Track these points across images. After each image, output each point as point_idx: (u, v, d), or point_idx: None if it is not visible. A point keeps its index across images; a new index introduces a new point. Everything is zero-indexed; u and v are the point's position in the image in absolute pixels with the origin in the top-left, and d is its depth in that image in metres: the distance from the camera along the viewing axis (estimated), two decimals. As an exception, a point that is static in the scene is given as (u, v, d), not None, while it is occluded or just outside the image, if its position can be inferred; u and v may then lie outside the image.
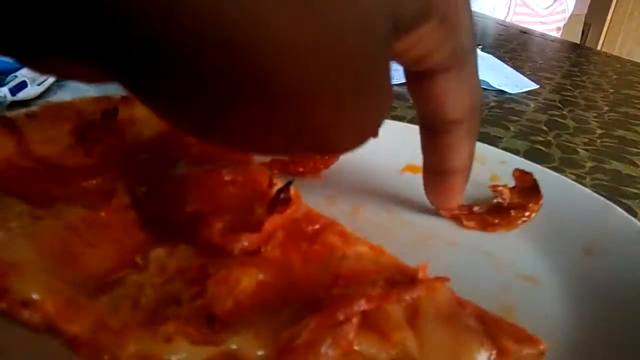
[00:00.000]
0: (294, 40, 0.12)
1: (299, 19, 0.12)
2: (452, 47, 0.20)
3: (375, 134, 0.18)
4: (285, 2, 0.12)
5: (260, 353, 0.17)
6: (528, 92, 0.63)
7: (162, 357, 0.17)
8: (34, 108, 0.25)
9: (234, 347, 0.17)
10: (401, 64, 0.22)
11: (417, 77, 0.22)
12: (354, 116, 0.16)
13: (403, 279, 0.21)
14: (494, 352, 0.18)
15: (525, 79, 0.67)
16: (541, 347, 0.19)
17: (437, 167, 0.25)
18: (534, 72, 0.73)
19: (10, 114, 0.25)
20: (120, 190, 0.24)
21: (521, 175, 0.30)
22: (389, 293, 0.20)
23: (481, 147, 0.34)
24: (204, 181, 0.25)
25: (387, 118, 0.18)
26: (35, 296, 0.16)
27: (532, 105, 0.59)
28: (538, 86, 0.64)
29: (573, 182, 0.30)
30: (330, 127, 0.15)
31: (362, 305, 0.19)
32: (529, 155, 0.44)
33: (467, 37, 0.21)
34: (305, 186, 0.28)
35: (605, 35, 2.03)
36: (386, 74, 0.16)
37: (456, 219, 0.28)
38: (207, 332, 0.18)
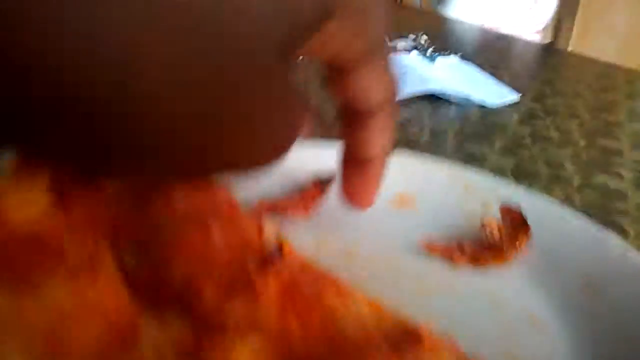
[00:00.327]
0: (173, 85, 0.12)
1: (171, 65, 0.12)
2: (362, 44, 0.21)
3: (290, 147, 0.19)
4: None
5: None
6: (509, 106, 0.63)
7: None
8: (4, 163, 0.24)
9: None
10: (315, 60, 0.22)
11: (332, 71, 0.23)
12: (259, 136, 0.17)
13: (406, 339, 0.20)
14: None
15: (506, 89, 0.67)
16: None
17: (354, 157, 0.26)
18: (514, 79, 0.73)
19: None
20: (107, 262, 0.23)
21: (508, 211, 0.30)
22: (393, 357, 0.19)
23: (470, 175, 0.34)
24: (192, 240, 0.24)
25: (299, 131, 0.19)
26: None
27: (515, 116, 0.59)
28: (519, 94, 0.64)
29: (566, 210, 0.30)
30: (236, 149, 0.17)
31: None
32: (517, 173, 0.44)
33: (378, 31, 0.21)
34: (294, 230, 0.28)
35: (577, 30, 2.07)
36: (286, 87, 0.17)
37: (448, 256, 0.28)
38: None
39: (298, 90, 0.17)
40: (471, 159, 0.45)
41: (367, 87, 0.23)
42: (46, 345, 0.18)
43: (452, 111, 0.60)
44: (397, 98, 0.25)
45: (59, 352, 0.18)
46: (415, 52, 0.78)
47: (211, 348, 0.19)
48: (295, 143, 0.18)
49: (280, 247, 0.23)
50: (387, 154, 0.26)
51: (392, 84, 0.24)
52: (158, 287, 0.22)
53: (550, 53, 1.01)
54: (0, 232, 0.22)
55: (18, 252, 0.22)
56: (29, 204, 0.24)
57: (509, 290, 0.26)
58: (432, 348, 0.19)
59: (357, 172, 0.26)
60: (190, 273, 0.22)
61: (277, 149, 0.18)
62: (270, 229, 0.25)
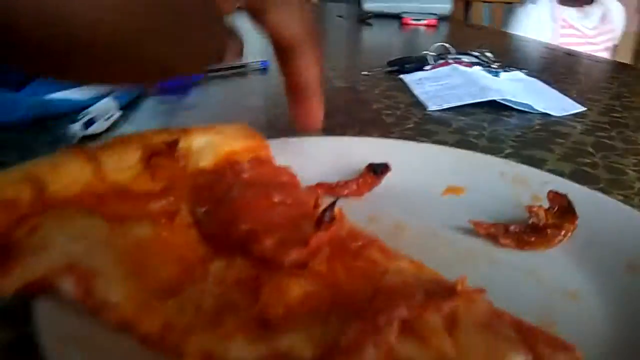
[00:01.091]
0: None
1: None
2: None
3: (213, 62, 0.27)
4: None
5: (309, 353, 0.19)
6: (575, 115, 0.62)
7: (221, 353, 0.19)
8: (108, 140, 0.28)
9: (286, 347, 0.19)
10: None
11: (254, 14, 0.30)
12: (190, 51, 0.23)
13: (442, 291, 0.22)
14: (530, 358, 0.19)
15: (572, 101, 0.66)
16: (576, 355, 0.19)
17: (293, 85, 0.33)
18: (581, 94, 0.72)
19: (89, 145, 0.28)
20: (182, 211, 0.27)
21: (555, 196, 0.31)
22: (429, 302, 0.21)
23: (524, 169, 0.35)
24: (255, 203, 0.27)
25: (224, 48, 0.27)
26: (114, 299, 0.19)
27: (579, 127, 0.58)
28: (585, 109, 0.64)
29: (613, 200, 0.31)
30: (171, 60, 0.22)
31: (402, 312, 0.20)
32: (575, 176, 0.44)
33: None
34: (349, 207, 0.30)
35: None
36: (215, 17, 0.25)
37: (493, 238, 0.29)
38: (262, 333, 0.20)
39: (227, 22, 0.26)
40: (530, 162, 0.45)
41: (284, 22, 0.30)
42: (132, 266, 0.21)
43: (513, 119, 0.60)
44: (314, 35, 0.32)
45: (142, 273, 0.21)
46: (478, 67, 0.79)
47: (267, 282, 0.22)
48: (219, 61, 0.27)
49: (332, 212, 0.26)
50: (318, 85, 0.33)
51: (306, 21, 0.31)
52: (225, 235, 0.26)
53: (620, 69, 0.98)
54: (101, 185, 0.26)
55: (114, 201, 0.26)
56: (124, 168, 0.29)
57: (550, 267, 0.27)
58: (465, 299, 0.21)
59: (299, 100, 0.34)
60: (253, 228, 0.26)
61: (203, 62, 0.26)
62: (325, 202, 0.28)
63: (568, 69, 0.93)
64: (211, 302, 0.21)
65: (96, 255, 0.20)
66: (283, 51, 0.32)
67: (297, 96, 0.34)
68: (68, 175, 0.24)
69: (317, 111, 0.34)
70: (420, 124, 0.57)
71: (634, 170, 0.46)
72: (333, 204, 0.30)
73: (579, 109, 0.64)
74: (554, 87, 0.72)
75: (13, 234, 0.21)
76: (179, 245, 0.25)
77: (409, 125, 0.56)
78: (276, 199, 0.28)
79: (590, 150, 0.51)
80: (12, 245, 0.20)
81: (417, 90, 0.69)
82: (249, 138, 0.34)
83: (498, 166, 0.36)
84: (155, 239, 0.24)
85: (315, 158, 0.37)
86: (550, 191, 0.31)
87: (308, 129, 0.35)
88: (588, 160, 0.48)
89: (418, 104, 0.64)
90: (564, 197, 0.30)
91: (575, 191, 0.31)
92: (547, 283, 0.26)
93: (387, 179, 0.36)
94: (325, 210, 0.29)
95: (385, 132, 0.54)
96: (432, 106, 0.62)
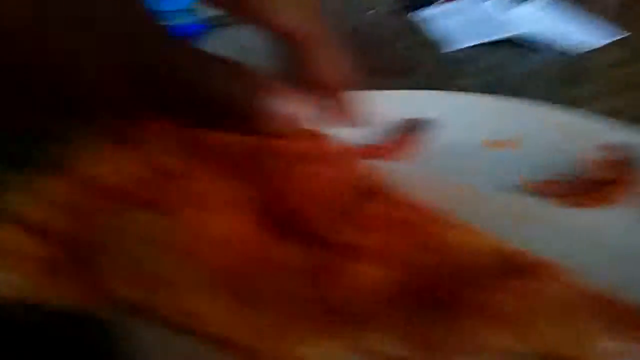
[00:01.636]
0: None
1: None
2: None
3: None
4: None
5: (401, 353, 0.18)
6: (614, 43, 0.58)
7: (300, 352, 0.18)
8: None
9: (370, 344, 0.19)
10: None
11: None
12: None
13: (514, 267, 0.21)
14: (621, 343, 0.18)
15: (608, 27, 0.61)
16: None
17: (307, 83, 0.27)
18: (618, 16, 0.65)
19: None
20: (231, 195, 0.25)
21: (613, 149, 0.29)
22: (504, 282, 0.20)
23: (575, 118, 0.33)
24: (304, 177, 0.26)
25: None
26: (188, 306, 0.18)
27: (621, 56, 0.54)
28: (628, 33, 0.59)
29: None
30: None
31: (498, 306, 0.19)
32: (629, 115, 0.39)
33: None
34: (390, 168, 0.29)
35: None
36: None
37: (547, 196, 0.28)
38: (341, 327, 0.19)
39: None
40: (569, 105, 0.43)
41: (282, 9, 0.26)
42: (179, 255, 0.20)
43: (540, 54, 0.57)
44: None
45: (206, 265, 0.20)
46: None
47: (333, 270, 0.21)
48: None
49: (380, 184, 0.24)
50: (342, 80, 0.27)
51: (311, 6, 0.26)
52: (279, 220, 0.24)
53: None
54: (145, 171, 0.25)
55: (161, 187, 0.24)
56: (169, 153, 0.27)
57: (614, 228, 0.26)
58: (541, 276, 0.20)
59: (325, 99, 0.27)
60: (307, 207, 0.24)
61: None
62: (371, 170, 0.27)
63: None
64: (284, 298, 0.20)
65: (161, 260, 0.20)
66: (290, 47, 0.27)
67: (317, 94, 0.28)
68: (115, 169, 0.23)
69: (343, 109, 0.28)
70: (438, 67, 0.54)
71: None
72: (379, 175, 0.28)
73: (618, 35, 0.60)
74: (583, 11, 0.67)
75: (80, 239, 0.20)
76: (233, 233, 0.23)
77: (426, 70, 0.53)
78: (322, 172, 0.27)
79: (624, 86, 0.49)
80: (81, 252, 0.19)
81: (430, 29, 0.66)
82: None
83: (546, 115, 0.34)
84: (210, 226, 0.23)
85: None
86: (604, 143, 0.29)
87: (341, 125, 0.29)
88: (621, 103, 0.46)
89: (432, 44, 0.60)
90: (621, 149, 0.28)
91: (631, 138, 0.29)
92: (615, 246, 0.25)
93: (429, 134, 0.34)
94: (369, 181, 0.28)
95: (403, 77, 0.52)
96: (449, 46, 0.59)
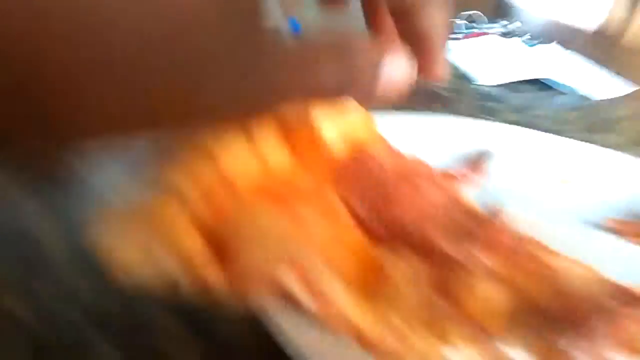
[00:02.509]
0: None
1: None
2: None
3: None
4: None
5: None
6: (629, 95, 0.62)
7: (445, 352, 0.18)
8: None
9: (509, 354, 0.19)
10: None
11: None
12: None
13: (632, 297, 0.22)
14: None
15: (621, 80, 0.66)
16: None
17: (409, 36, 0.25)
18: (625, 71, 0.71)
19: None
20: (342, 208, 0.25)
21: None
22: (626, 311, 0.21)
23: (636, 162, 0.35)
24: (411, 197, 0.26)
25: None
26: (340, 302, 0.18)
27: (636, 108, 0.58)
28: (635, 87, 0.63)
29: None
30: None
31: (609, 324, 0.20)
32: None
33: None
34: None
35: None
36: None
37: (628, 235, 0.29)
38: (479, 340, 0.19)
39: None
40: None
41: None
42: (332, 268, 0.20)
43: (566, 98, 0.60)
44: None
45: (343, 276, 0.20)
46: (517, 38, 0.78)
47: (460, 285, 0.21)
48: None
49: (499, 210, 0.25)
50: (444, 33, 0.25)
51: None
52: (389, 232, 0.25)
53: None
54: (266, 177, 0.25)
55: (285, 195, 0.24)
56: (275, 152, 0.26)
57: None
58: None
59: (417, 50, 0.24)
60: (418, 222, 0.25)
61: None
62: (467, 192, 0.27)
63: (602, 42, 0.92)
64: (415, 306, 0.20)
65: (306, 254, 0.19)
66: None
67: (416, 47, 0.25)
68: (240, 163, 0.23)
69: (441, 63, 0.26)
70: (476, 99, 0.56)
71: None
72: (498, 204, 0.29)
73: (628, 88, 0.64)
74: (596, 64, 0.71)
75: (217, 231, 0.19)
76: (350, 241, 0.24)
77: (467, 101, 0.55)
78: (424, 190, 0.27)
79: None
80: (221, 243, 0.19)
81: (461, 62, 0.68)
82: (369, 122, 0.33)
83: (607, 157, 0.36)
84: (332, 238, 0.23)
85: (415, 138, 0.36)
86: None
87: (432, 80, 0.26)
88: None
89: (466, 76, 0.62)
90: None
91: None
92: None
93: (493, 167, 0.35)
94: (493, 209, 0.28)
95: (446, 107, 0.53)
96: (483, 80, 0.61)
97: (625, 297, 0.23)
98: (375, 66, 0.19)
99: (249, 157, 0.24)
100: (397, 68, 0.20)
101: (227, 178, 0.22)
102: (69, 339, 0.21)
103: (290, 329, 0.17)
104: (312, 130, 0.28)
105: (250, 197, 0.22)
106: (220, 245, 0.19)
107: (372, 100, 0.21)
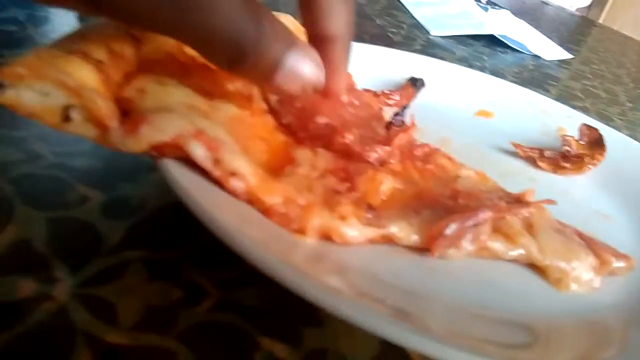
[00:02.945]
0: None
1: None
2: None
3: None
4: None
5: (414, 238, 0.21)
6: (561, 61, 0.66)
7: (339, 231, 0.20)
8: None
9: (394, 231, 0.21)
10: None
11: None
12: None
13: (514, 199, 0.24)
14: (597, 260, 0.22)
15: (559, 47, 0.69)
16: (632, 263, 0.23)
17: (316, 34, 0.24)
18: (562, 43, 0.75)
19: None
20: (256, 96, 0.26)
21: (588, 129, 0.34)
22: (511, 206, 0.23)
23: (550, 101, 0.38)
24: (328, 101, 0.27)
25: None
26: (240, 169, 0.19)
27: (567, 73, 0.62)
28: (571, 56, 0.67)
29: (631, 139, 0.34)
30: None
31: (494, 211, 0.22)
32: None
33: None
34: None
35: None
36: None
37: (530, 160, 0.32)
38: (370, 218, 0.21)
39: None
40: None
41: None
42: (238, 143, 0.21)
43: (508, 56, 0.62)
44: None
45: (248, 151, 0.21)
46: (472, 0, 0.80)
47: (359, 174, 0.23)
48: None
49: (403, 117, 0.27)
50: (348, 33, 0.24)
51: None
52: (302, 126, 0.26)
53: (591, 25, 1.03)
54: (182, 55, 0.25)
55: (196, 74, 0.25)
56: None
57: (582, 191, 0.30)
58: (537, 208, 0.24)
59: (323, 52, 0.23)
60: (331, 123, 0.26)
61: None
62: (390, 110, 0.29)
63: (541, 17, 0.96)
64: (318, 186, 0.21)
65: (211, 125, 0.20)
66: None
67: (321, 46, 0.24)
68: (156, 38, 0.23)
69: (343, 65, 0.25)
70: (425, 47, 0.57)
71: (619, 118, 0.50)
72: (404, 109, 0.31)
73: (566, 55, 0.67)
74: (539, 28, 0.74)
75: (123, 92, 0.20)
76: (259, 129, 0.24)
77: (416, 47, 0.56)
78: (345, 99, 0.28)
79: (580, 95, 0.55)
80: (127, 104, 0.19)
81: (416, 13, 0.69)
82: (300, 33, 0.33)
83: (525, 96, 0.38)
84: (243, 119, 0.24)
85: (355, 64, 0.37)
86: (583, 124, 0.33)
87: (332, 85, 0.25)
88: (580, 104, 0.52)
89: (420, 26, 0.64)
90: (595, 130, 0.32)
91: (598, 127, 0.34)
92: (581, 204, 0.29)
93: (422, 95, 0.37)
94: (397, 114, 0.30)
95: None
96: (434, 31, 0.62)
97: (510, 199, 0.25)
98: (278, 52, 0.19)
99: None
100: (304, 65, 0.20)
101: (142, 48, 0.22)
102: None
103: (188, 185, 0.18)
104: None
105: (167, 69, 0.23)
106: (124, 104, 0.19)
107: (268, 85, 0.20)
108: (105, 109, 0.17)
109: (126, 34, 0.21)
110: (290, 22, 0.33)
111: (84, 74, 0.18)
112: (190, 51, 0.26)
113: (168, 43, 0.24)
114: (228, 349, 0.17)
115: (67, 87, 0.17)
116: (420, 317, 0.19)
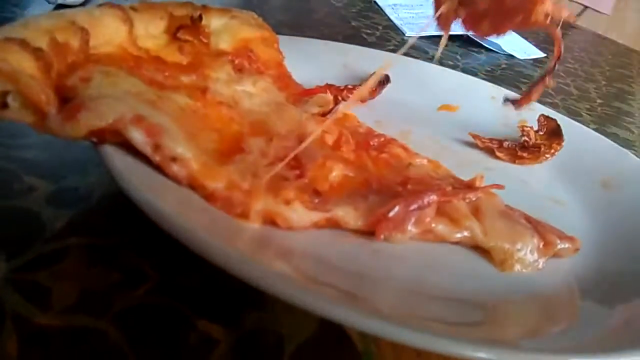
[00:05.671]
0: None
1: None
2: None
3: None
4: None
5: (360, 222, 0.21)
6: (535, 60, 0.66)
7: (282, 215, 0.20)
8: (135, 4, 0.27)
9: (339, 216, 0.21)
10: None
11: None
12: None
13: (463, 184, 0.25)
14: (542, 242, 0.22)
15: (533, 46, 0.70)
16: (577, 244, 0.23)
17: None
18: (538, 43, 0.76)
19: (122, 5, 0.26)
20: (211, 88, 0.26)
21: (545, 120, 0.34)
22: (458, 191, 0.23)
23: (512, 96, 0.38)
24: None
25: None
26: (183, 155, 0.19)
27: (539, 71, 0.63)
28: (544, 55, 0.68)
29: (591, 130, 0.35)
30: None
31: (439, 195, 0.22)
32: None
33: None
34: (356, 112, 0.31)
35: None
36: None
37: (489, 151, 0.32)
38: (316, 203, 0.21)
39: None
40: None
41: None
42: (185, 129, 0.21)
43: (482, 56, 0.63)
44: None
45: (196, 138, 0.21)
46: None
47: (309, 161, 0.23)
48: None
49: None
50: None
51: None
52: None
53: (568, 27, 1.04)
54: (133, 48, 0.25)
55: (148, 66, 0.25)
56: (152, 37, 0.27)
57: (538, 179, 0.30)
58: (485, 192, 0.24)
59: None
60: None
61: None
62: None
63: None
64: (264, 172, 0.22)
65: (155, 113, 0.20)
66: None
67: None
68: (106, 32, 0.23)
69: None
70: (399, 47, 0.58)
71: (588, 114, 0.51)
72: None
73: (539, 54, 0.68)
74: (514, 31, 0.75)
75: (66, 80, 0.20)
76: (212, 120, 0.25)
77: (389, 47, 0.57)
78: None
79: (551, 92, 0.56)
80: (69, 93, 0.19)
81: (392, 15, 0.70)
82: (261, 28, 0.34)
83: (489, 90, 0.38)
84: (194, 110, 0.24)
85: (319, 60, 0.37)
86: (541, 115, 0.34)
87: None
88: (550, 101, 0.52)
89: (395, 28, 0.64)
90: (553, 120, 0.33)
91: (558, 118, 0.34)
92: (537, 191, 0.29)
93: (387, 90, 0.37)
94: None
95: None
96: (409, 32, 0.63)
97: (460, 185, 0.25)
98: None
99: (117, 30, 0.24)
100: None
101: (86, 40, 0.22)
102: None
103: (126, 170, 0.18)
104: (198, 19, 0.29)
105: (116, 61, 0.23)
106: (66, 92, 0.20)
107: None
108: (42, 94, 0.17)
109: (73, 24, 0.21)
110: (252, 17, 0.34)
111: (21, 61, 0.18)
112: (143, 44, 0.26)
113: (119, 36, 0.24)
114: (162, 330, 0.17)
115: (1, 73, 0.17)
116: (368, 299, 0.19)
